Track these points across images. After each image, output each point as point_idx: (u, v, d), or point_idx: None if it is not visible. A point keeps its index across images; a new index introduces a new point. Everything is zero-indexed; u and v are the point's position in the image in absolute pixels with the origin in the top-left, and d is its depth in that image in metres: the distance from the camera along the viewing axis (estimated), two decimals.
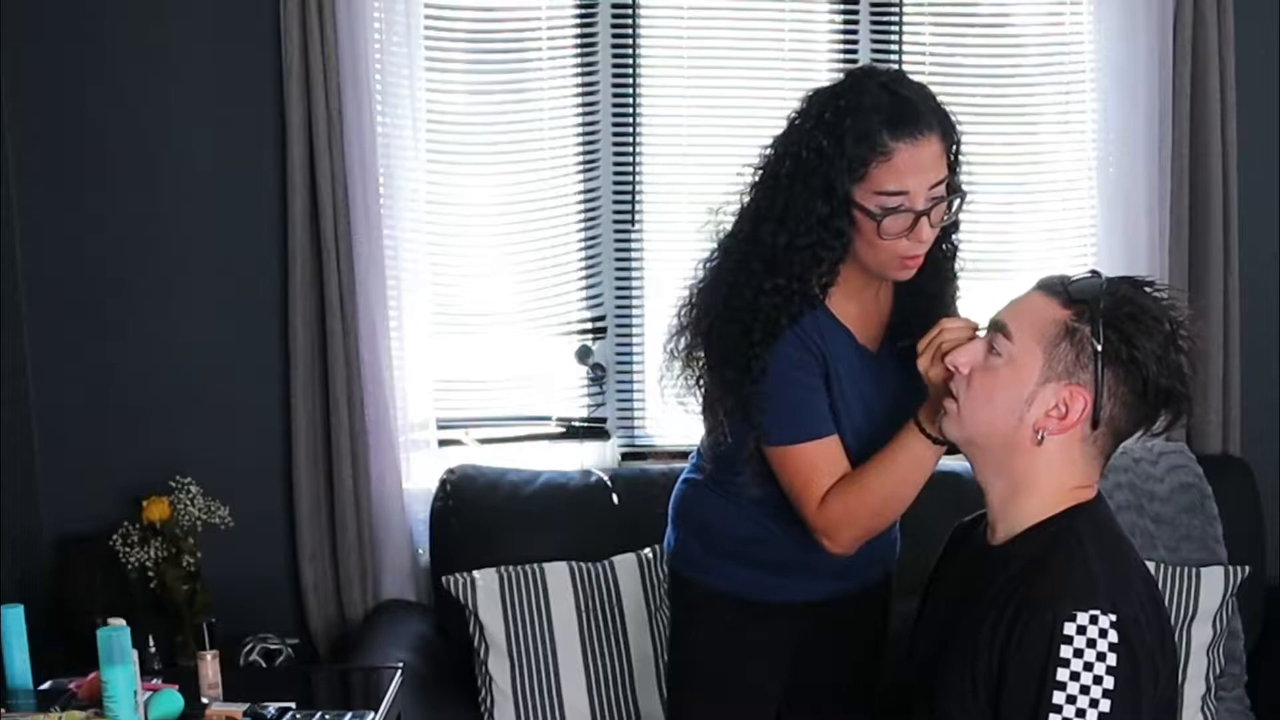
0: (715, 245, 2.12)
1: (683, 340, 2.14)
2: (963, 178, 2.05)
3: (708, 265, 2.12)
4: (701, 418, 2.17)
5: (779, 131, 2.06)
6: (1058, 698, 1.60)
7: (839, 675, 2.35)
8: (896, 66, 1.99)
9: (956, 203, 2.03)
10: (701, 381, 2.13)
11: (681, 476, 2.34)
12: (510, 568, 2.90)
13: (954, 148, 2.01)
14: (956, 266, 2.19)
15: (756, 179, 2.06)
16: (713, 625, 2.27)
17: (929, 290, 2.12)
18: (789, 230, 1.99)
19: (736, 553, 2.22)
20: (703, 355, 2.11)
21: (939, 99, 2.02)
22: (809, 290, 2.02)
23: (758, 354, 2.02)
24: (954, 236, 2.15)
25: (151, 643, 2.57)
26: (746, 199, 2.08)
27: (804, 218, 1.98)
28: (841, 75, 2.07)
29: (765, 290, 2.01)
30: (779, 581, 2.21)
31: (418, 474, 3.20)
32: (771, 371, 2.03)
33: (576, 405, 3.34)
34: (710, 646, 2.28)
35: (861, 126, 1.93)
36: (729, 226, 2.10)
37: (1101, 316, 1.69)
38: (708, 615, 2.28)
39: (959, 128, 2.02)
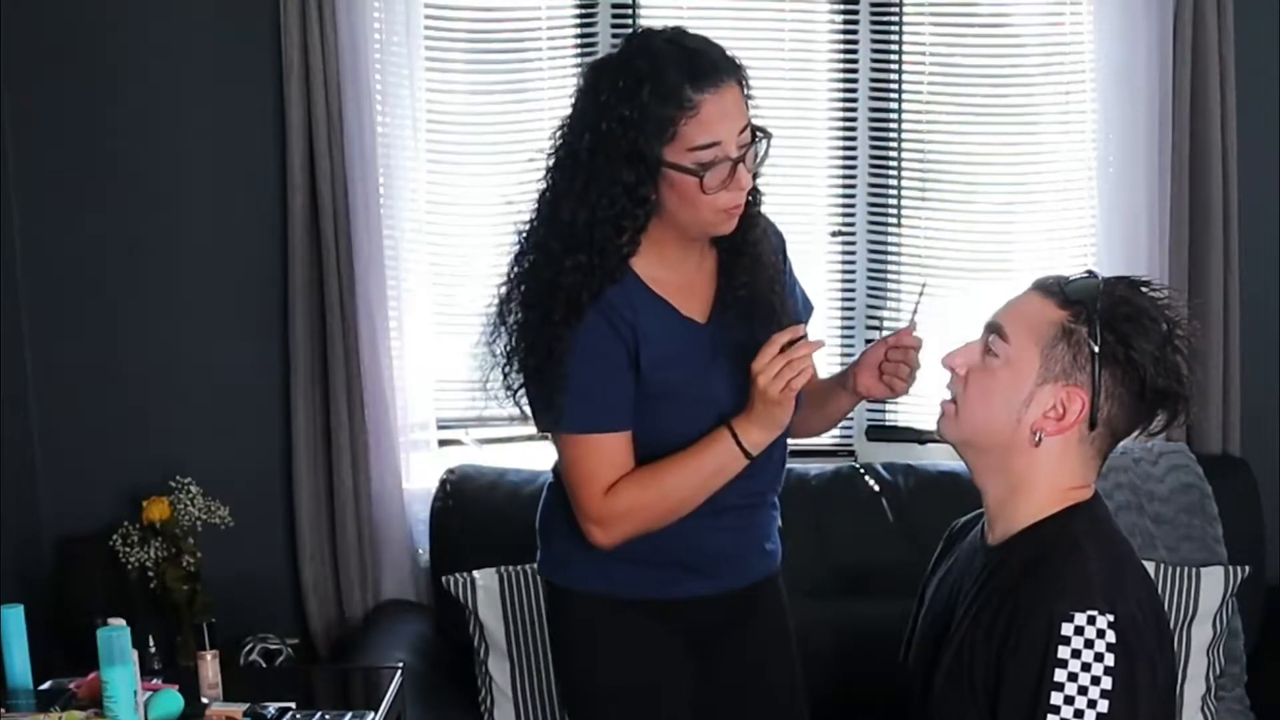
0: (515, 236, 2.08)
1: (498, 339, 2.07)
2: (755, 115, 2.00)
3: (511, 257, 2.08)
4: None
5: (566, 113, 2.02)
6: (1055, 698, 1.60)
7: (747, 678, 2.26)
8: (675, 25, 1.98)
9: (765, 144, 2.00)
10: (517, 379, 2.06)
11: (545, 486, 2.26)
12: (510, 568, 2.90)
13: (747, 93, 1.99)
14: (762, 210, 2.13)
15: (552, 163, 2.02)
16: (599, 633, 2.17)
17: (747, 246, 2.08)
18: (589, 205, 1.95)
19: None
20: (511, 349, 2.05)
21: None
22: (610, 264, 1.99)
23: (560, 334, 1.98)
24: (756, 182, 2.07)
25: (151, 643, 2.58)
26: (542, 185, 2.04)
27: (607, 189, 1.94)
28: (621, 42, 2.02)
29: (566, 268, 1.97)
30: (649, 576, 2.13)
31: (418, 474, 3.20)
32: (571, 357, 1.99)
33: None
34: (601, 657, 2.19)
35: (663, 87, 1.90)
36: (527, 216, 2.07)
37: (1098, 317, 1.69)
38: (591, 623, 2.18)
39: (748, 70, 1.99)
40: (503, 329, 2.07)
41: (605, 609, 2.16)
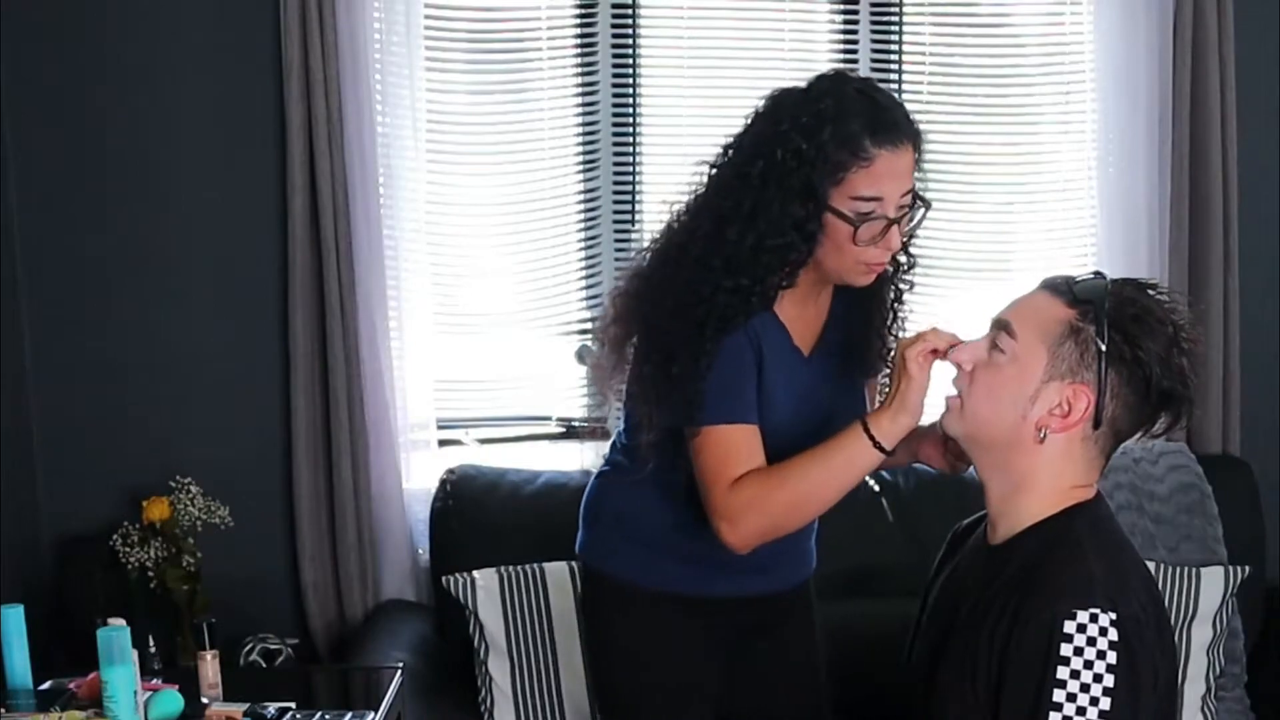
0: (665, 239, 2.10)
1: (616, 329, 2.12)
2: (926, 188, 2.07)
3: (655, 258, 2.10)
4: (630, 407, 2.14)
5: (741, 129, 2.04)
6: (1058, 696, 1.60)
7: (776, 680, 2.29)
8: (862, 71, 2.02)
9: (921, 212, 2.05)
10: (644, 371, 2.08)
11: (595, 473, 2.29)
12: (510, 568, 2.90)
13: (919, 159, 2.03)
14: (907, 273, 2.19)
15: (718, 179, 2.05)
16: (636, 623, 2.20)
17: (869, 293, 2.13)
18: (758, 231, 1.98)
19: (654, 541, 2.17)
20: (642, 346, 2.09)
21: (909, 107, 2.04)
22: (769, 292, 2.03)
23: (708, 349, 2.01)
24: (909, 245, 2.14)
25: (151, 643, 2.57)
26: (704, 196, 2.06)
27: (777, 220, 1.97)
28: (811, 78, 2.04)
29: (725, 288, 2.00)
30: (697, 573, 2.15)
31: (418, 474, 3.20)
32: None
33: (576, 405, 3.34)
34: (637, 647, 2.21)
35: (844, 131, 1.94)
36: (683, 220, 2.08)
37: (1106, 317, 1.70)
38: (630, 611, 2.20)
39: (925, 134, 2.04)
40: (622, 321, 2.11)
41: (645, 600, 2.18)
